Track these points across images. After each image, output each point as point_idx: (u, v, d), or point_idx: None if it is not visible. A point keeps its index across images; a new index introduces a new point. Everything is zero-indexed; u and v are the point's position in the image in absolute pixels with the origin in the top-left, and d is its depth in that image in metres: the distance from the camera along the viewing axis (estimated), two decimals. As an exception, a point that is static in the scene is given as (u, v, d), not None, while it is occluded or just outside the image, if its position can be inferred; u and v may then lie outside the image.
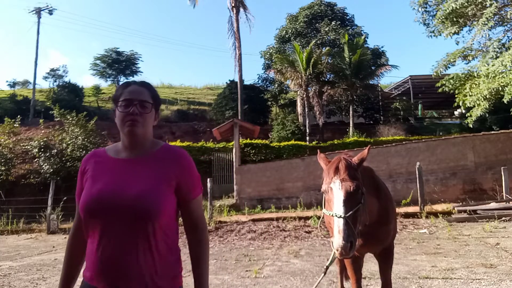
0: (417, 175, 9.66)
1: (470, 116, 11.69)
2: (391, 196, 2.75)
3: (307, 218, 8.83)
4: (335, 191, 2.02)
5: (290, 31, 24.99)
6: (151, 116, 1.42)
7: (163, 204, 1.32)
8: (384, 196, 2.54)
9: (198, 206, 1.49)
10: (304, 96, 19.43)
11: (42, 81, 57.31)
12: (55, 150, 14.70)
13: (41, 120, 17.47)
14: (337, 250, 1.81)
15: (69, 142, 14.73)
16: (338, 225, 1.87)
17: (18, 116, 18.49)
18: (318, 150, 2.64)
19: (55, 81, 29.61)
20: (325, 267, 2.53)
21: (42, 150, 14.76)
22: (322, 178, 2.23)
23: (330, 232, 2.05)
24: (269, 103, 25.41)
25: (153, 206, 1.28)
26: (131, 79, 32.07)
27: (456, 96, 12.06)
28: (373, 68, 21.58)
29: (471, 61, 12.39)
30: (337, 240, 1.82)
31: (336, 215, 1.91)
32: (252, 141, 15.01)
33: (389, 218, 2.54)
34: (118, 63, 27.80)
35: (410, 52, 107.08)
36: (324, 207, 2.16)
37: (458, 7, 11.03)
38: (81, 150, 14.38)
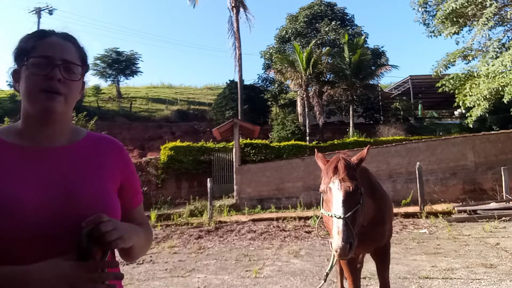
0: (417, 175, 9.66)
1: (470, 116, 11.70)
2: (387, 196, 2.74)
3: (307, 218, 8.84)
4: (334, 192, 2.01)
5: (290, 31, 25.01)
6: (78, 86, 0.98)
7: (119, 211, 0.98)
8: (380, 196, 2.53)
9: (143, 215, 1.14)
10: (304, 96, 19.42)
11: (42, 81, 57.30)
12: (55, 150, 14.72)
13: (41, 120, 17.49)
14: (336, 251, 1.81)
15: (69, 142, 14.74)
16: (337, 226, 1.86)
17: (18, 116, 18.52)
18: (316, 150, 2.61)
19: (55, 81, 29.66)
20: (325, 273, 2.51)
21: (42, 150, 14.77)
22: (321, 178, 2.23)
23: (330, 233, 2.04)
24: (269, 103, 25.41)
25: (116, 214, 0.95)
26: (131, 79, 32.03)
27: (456, 96, 12.06)
28: (373, 68, 21.60)
29: (471, 61, 12.43)
30: (337, 241, 1.82)
31: (335, 216, 1.90)
32: (252, 141, 14.99)
33: (385, 219, 2.53)
34: (118, 63, 27.80)
35: (410, 52, 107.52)
36: (323, 207, 2.15)
37: (458, 7, 11.03)
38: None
